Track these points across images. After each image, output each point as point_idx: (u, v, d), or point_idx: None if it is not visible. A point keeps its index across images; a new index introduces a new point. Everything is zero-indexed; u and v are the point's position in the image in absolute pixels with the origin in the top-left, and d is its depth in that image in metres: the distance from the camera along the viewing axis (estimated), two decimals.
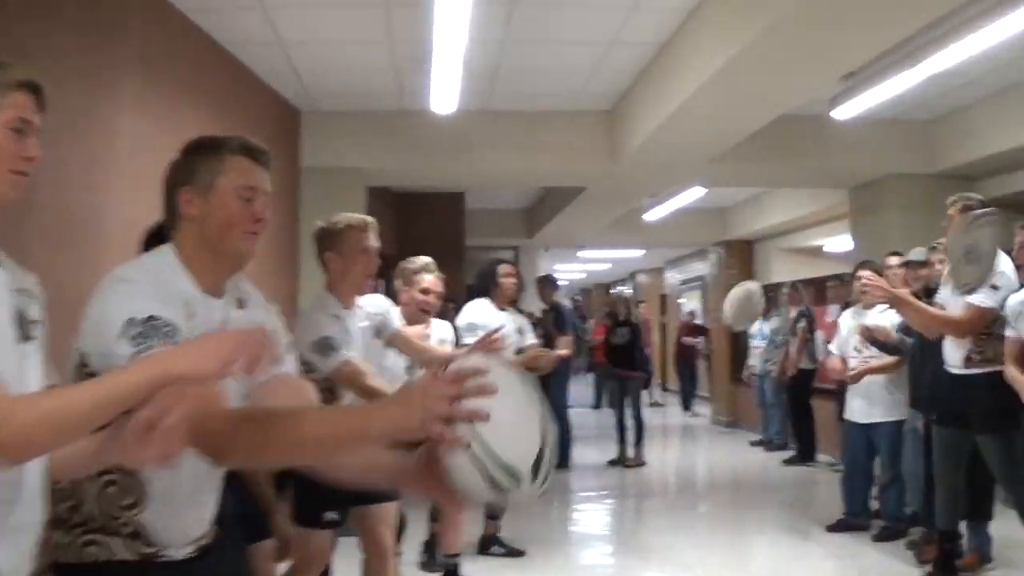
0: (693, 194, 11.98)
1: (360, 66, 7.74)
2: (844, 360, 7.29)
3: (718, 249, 16.03)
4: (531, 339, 6.63)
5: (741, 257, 15.70)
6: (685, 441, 15.34)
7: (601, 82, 8.16)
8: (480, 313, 6.23)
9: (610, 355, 11.88)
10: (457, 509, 4.98)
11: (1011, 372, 5.11)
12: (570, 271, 27.19)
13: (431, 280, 5.28)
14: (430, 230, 13.39)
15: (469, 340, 5.41)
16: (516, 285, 6.67)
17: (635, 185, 10.55)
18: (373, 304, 4.62)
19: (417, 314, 5.24)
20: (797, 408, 11.51)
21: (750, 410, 14.34)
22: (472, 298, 6.66)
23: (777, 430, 12.54)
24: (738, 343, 15.24)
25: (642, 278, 27.11)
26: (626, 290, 28.95)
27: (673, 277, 23.25)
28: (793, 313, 11.65)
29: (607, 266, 25.56)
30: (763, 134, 8.22)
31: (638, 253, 21.39)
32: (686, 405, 18.30)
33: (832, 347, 7.57)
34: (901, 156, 9.33)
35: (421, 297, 5.24)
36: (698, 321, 19.05)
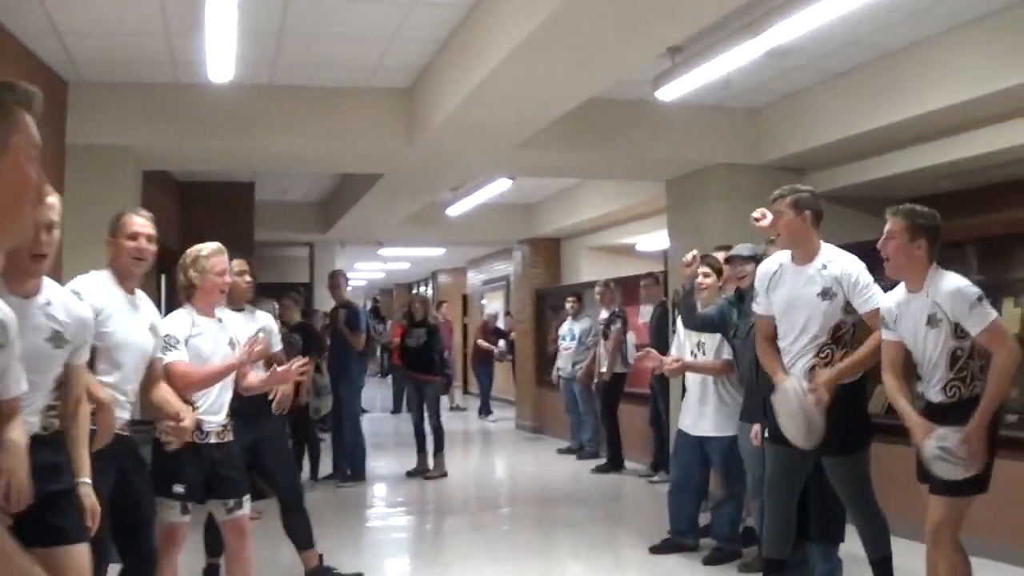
0: (499, 186, 11.22)
1: (130, 29, 6.56)
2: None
3: (523, 247, 15.33)
4: (277, 344, 6.08)
5: (547, 256, 15.07)
6: (488, 448, 14.56)
7: (399, 54, 7.24)
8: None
9: (406, 358, 11.03)
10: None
11: (887, 380, 4.44)
12: (370, 270, 26.20)
13: (229, 264, 4.85)
14: (216, 223, 12.09)
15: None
16: (250, 285, 5.94)
17: (435, 173, 9.67)
18: None
19: (219, 298, 4.73)
20: (609, 414, 10.91)
21: (557, 415, 13.70)
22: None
23: (589, 436, 11.90)
24: (544, 345, 14.61)
25: (444, 278, 26.47)
26: (425, 290, 28.46)
27: (476, 277, 22.69)
28: (605, 313, 11.01)
29: (407, 266, 24.67)
30: (576, 118, 7.57)
31: (439, 252, 20.61)
32: (483, 410, 17.58)
33: (673, 351, 6.86)
34: (727, 145, 8.77)
35: (224, 280, 4.68)
36: (499, 324, 18.39)
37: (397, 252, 20.78)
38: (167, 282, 11.70)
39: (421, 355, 10.74)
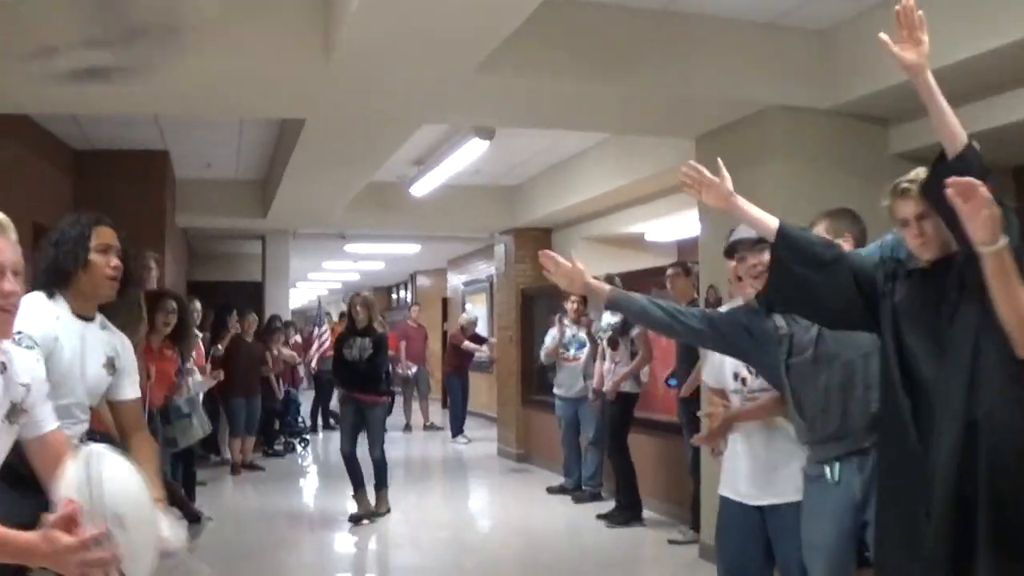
0: (471, 152, 8.72)
1: None
2: (725, 396, 4.16)
3: (505, 239, 12.78)
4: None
5: (535, 249, 12.27)
6: (461, 482, 11.98)
7: None
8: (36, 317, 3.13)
9: (343, 373, 8.71)
10: None
11: None
12: (340, 270, 23.68)
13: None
14: (121, 201, 9.68)
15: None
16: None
17: (369, 117, 7.02)
18: None
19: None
20: (619, 445, 8.39)
21: (547, 442, 11.18)
22: None
23: (591, 473, 9.35)
24: (531, 355, 12.08)
25: (423, 280, 24.05)
26: (405, 294, 26.00)
27: (457, 279, 20.29)
28: (611, 317, 8.47)
29: (381, 266, 22.14)
30: (570, 32, 5.41)
31: (414, 249, 18.10)
32: (456, 430, 15.06)
33: (706, 376, 4.37)
34: (785, 80, 6.23)
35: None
36: (478, 330, 15.89)
37: (367, 249, 18.28)
38: None
39: (365, 371, 8.39)
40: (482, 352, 15.58)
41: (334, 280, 27.96)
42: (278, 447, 13.10)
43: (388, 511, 8.70)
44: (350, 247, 17.79)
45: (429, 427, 16.28)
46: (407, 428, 16.13)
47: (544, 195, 11.37)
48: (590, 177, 10.04)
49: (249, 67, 5.72)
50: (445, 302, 21.62)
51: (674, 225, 10.46)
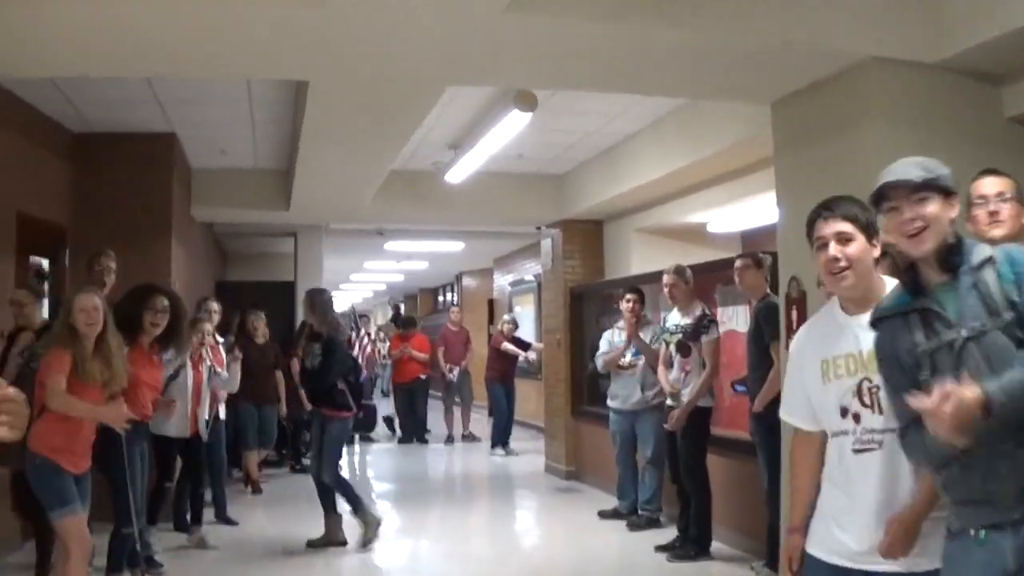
0: (511, 127, 7.62)
1: None
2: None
3: (553, 233, 11.64)
4: None
5: (585, 243, 11.36)
6: (504, 504, 10.85)
7: None
8: None
9: (305, 383, 8.21)
10: None
11: None
12: (382, 271, 22.68)
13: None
14: (122, 191, 8.77)
15: None
16: None
17: (381, 69, 5.63)
18: None
19: None
20: (695, 467, 7.21)
21: (599, 460, 10.04)
22: None
23: (649, 497, 8.20)
24: (582, 361, 10.97)
25: (469, 281, 23.03)
26: (453, 296, 24.94)
27: (503, 279, 19.24)
28: (680, 317, 7.31)
29: (425, 265, 21.10)
30: None
31: (457, 246, 17.03)
32: (497, 440, 13.95)
33: (788, 411, 3.21)
34: (885, 27, 5.04)
35: None
36: (523, 333, 14.81)
37: (408, 247, 17.25)
38: (52, 270, 8.47)
39: (314, 381, 7.68)
40: (524, 357, 14.48)
41: (377, 282, 27.00)
42: (308, 461, 12.06)
43: (344, 543, 7.69)
44: (390, 245, 16.81)
45: (467, 437, 15.18)
46: (449, 440, 15.06)
47: (594, 183, 10.24)
48: (645, 160, 8.89)
49: (235, 17, 4.65)
50: (491, 304, 20.59)
51: (739, 214, 9.29)
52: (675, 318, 7.30)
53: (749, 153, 7.38)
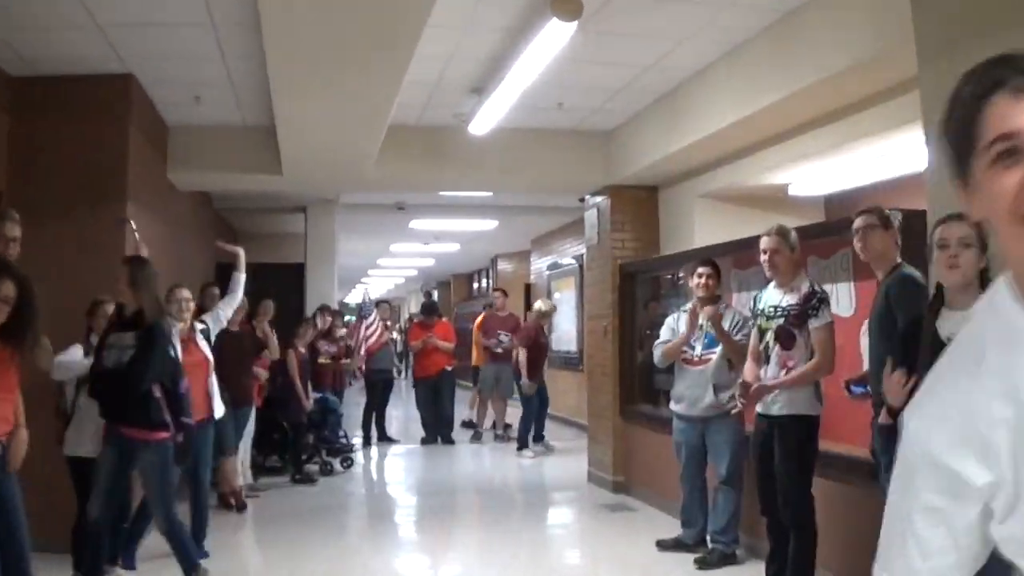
0: (549, 46, 5.86)
1: None
2: None
3: (600, 201, 9.86)
4: None
5: (638, 212, 9.56)
6: (535, 523, 9.08)
7: None
8: None
9: (96, 391, 5.56)
10: None
11: None
12: (412, 254, 21.06)
13: None
14: (73, 147, 7.16)
15: None
16: None
17: None
18: None
19: None
20: (798, 490, 5.34)
21: (658, 472, 8.29)
22: None
23: (723, 525, 6.41)
24: (630, 350, 9.25)
25: (504, 265, 21.41)
26: (488, 281, 23.18)
27: (541, 262, 17.68)
28: (783, 296, 5.43)
29: (456, 247, 19.42)
30: None
31: (490, 224, 15.37)
32: (532, 437, 12.28)
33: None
34: None
35: None
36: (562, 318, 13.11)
37: (436, 225, 15.58)
38: None
39: (120, 385, 5.31)
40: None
41: (407, 267, 25.37)
42: (312, 468, 10.43)
43: None
44: (416, 224, 15.17)
45: (500, 437, 13.45)
46: (477, 436, 13.43)
47: (649, 138, 8.45)
48: (717, 102, 7.10)
49: None
50: (528, 289, 18.88)
51: (829, 172, 7.52)
52: (773, 297, 5.45)
53: (861, 83, 5.66)
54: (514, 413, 13.14)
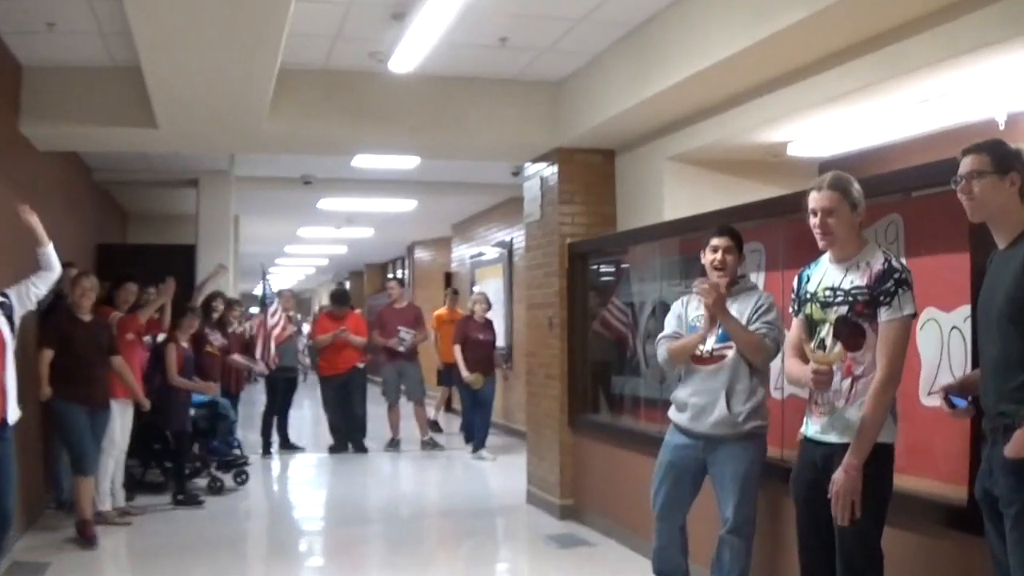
0: None
1: None
2: None
3: (543, 169, 8.25)
4: None
5: (591, 183, 7.97)
6: (464, 567, 7.46)
7: None
8: None
9: None
10: None
11: None
12: (319, 240, 19.28)
13: None
14: None
15: None
16: None
17: None
18: None
19: None
20: (861, 550, 3.60)
21: (621, 496, 6.75)
22: None
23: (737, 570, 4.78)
24: (583, 348, 7.75)
25: (422, 254, 19.81)
26: (403, 272, 21.42)
27: (463, 251, 16.18)
28: (853, 276, 3.75)
29: (370, 233, 17.70)
30: None
31: (409, 205, 13.74)
32: (483, 440, 10.88)
33: None
34: None
35: None
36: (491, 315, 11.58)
37: (348, 205, 13.88)
38: None
39: None
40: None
41: (317, 255, 23.53)
42: (198, 487, 8.70)
43: None
44: (325, 203, 13.47)
45: (427, 443, 11.81)
46: (393, 443, 11.87)
47: (610, 86, 6.86)
48: (702, 34, 5.56)
49: None
50: (448, 277, 17.30)
51: (834, 127, 6.07)
52: (831, 276, 3.81)
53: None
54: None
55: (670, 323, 4.96)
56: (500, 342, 12.23)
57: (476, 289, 13.76)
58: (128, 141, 7.78)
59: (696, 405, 4.71)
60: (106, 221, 11.83)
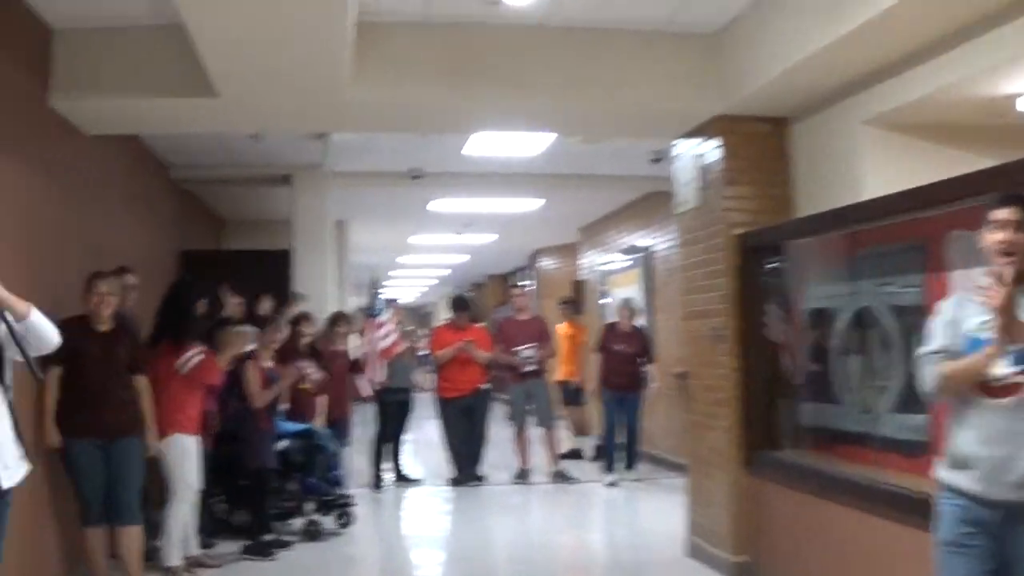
0: None
1: None
2: None
3: (701, 144, 6.64)
4: None
5: (761, 159, 6.36)
6: None
7: None
8: None
9: None
10: None
11: None
12: (434, 249, 17.93)
13: None
14: None
15: None
16: None
17: None
18: None
19: None
20: None
21: (816, 558, 5.14)
22: None
23: None
24: (761, 365, 6.12)
25: (547, 262, 18.34)
26: (527, 284, 19.83)
27: (592, 257, 14.97)
28: None
29: (494, 238, 16.30)
30: None
31: (535, 204, 12.28)
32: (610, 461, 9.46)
33: None
34: None
35: None
36: (638, 322, 10.11)
37: (462, 206, 12.46)
38: None
39: None
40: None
41: (437, 265, 22.17)
42: (292, 530, 7.39)
43: None
44: (437, 204, 12.10)
45: (559, 475, 10.32)
46: (522, 475, 10.43)
47: (786, 29, 5.29)
48: None
49: None
50: (578, 286, 15.81)
51: None
52: None
53: None
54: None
55: (936, 333, 3.28)
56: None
57: (615, 298, 12.29)
58: (187, 117, 6.38)
59: (992, 458, 3.05)
60: (193, 226, 10.73)
